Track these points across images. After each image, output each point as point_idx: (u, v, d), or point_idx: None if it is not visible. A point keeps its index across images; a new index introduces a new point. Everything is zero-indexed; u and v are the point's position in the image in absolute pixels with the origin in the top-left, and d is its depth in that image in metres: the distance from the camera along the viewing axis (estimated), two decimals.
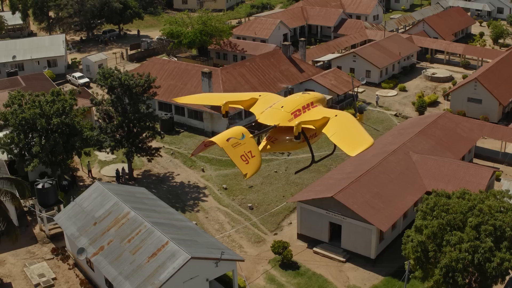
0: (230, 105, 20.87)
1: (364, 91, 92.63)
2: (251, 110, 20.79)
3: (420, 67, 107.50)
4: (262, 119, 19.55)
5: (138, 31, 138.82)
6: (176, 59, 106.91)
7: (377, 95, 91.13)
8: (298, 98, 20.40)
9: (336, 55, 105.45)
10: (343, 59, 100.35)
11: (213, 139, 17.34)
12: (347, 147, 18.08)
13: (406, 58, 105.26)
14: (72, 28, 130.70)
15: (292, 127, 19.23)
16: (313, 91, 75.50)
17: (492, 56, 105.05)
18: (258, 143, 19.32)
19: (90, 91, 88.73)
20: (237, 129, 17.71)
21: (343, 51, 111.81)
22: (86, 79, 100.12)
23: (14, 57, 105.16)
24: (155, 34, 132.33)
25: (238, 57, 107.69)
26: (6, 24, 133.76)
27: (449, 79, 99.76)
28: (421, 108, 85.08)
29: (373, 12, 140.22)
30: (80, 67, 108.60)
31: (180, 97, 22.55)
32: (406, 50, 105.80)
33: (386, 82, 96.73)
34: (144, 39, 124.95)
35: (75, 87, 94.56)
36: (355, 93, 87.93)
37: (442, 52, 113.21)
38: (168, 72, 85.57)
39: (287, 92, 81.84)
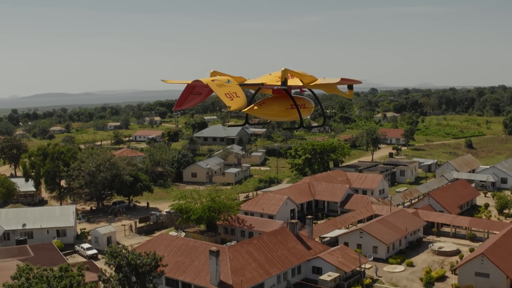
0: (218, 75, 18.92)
1: (371, 267, 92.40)
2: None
3: (426, 241, 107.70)
4: (249, 81, 18.75)
5: (148, 204, 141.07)
6: (184, 233, 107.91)
7: (375, 266, 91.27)
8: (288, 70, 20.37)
9: (343, 231, 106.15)
10: (350, 235, 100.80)
11: (197, 79, 16.67)
12: (334, 80, 17.58)
13: (412, 233, 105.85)
14: (83, 198, 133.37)
15: (282, 97, 18.79)
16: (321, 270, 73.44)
17: (498, 228, 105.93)
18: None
19: (97, 263, 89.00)
20: (223, 77, 17.00)
21: (350, 226, 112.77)
22: (94, 251, 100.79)
23: (24, 225, 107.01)
24: (164, 207, 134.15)
25: (246, 233, 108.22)
26: (18, 190, 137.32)
27: (456, 252, 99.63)
28: (429, 284, 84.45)
29: (379, 186, 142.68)
30: (89, 238, 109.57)
31: (168, 80, 21.79)
32: (412, 225, 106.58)
33: (393, 258, 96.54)
34: (153, 212, 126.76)
35: (83, 258, 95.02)
36: (363, 270, 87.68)
37: (448, 225, 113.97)
38: (176, 248, 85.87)
39: None
